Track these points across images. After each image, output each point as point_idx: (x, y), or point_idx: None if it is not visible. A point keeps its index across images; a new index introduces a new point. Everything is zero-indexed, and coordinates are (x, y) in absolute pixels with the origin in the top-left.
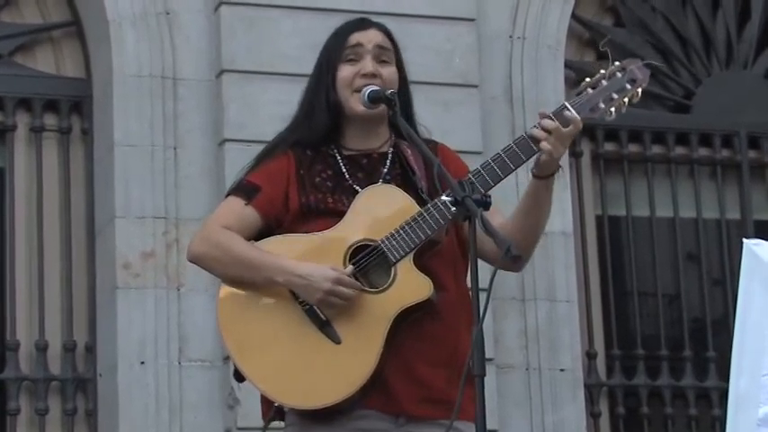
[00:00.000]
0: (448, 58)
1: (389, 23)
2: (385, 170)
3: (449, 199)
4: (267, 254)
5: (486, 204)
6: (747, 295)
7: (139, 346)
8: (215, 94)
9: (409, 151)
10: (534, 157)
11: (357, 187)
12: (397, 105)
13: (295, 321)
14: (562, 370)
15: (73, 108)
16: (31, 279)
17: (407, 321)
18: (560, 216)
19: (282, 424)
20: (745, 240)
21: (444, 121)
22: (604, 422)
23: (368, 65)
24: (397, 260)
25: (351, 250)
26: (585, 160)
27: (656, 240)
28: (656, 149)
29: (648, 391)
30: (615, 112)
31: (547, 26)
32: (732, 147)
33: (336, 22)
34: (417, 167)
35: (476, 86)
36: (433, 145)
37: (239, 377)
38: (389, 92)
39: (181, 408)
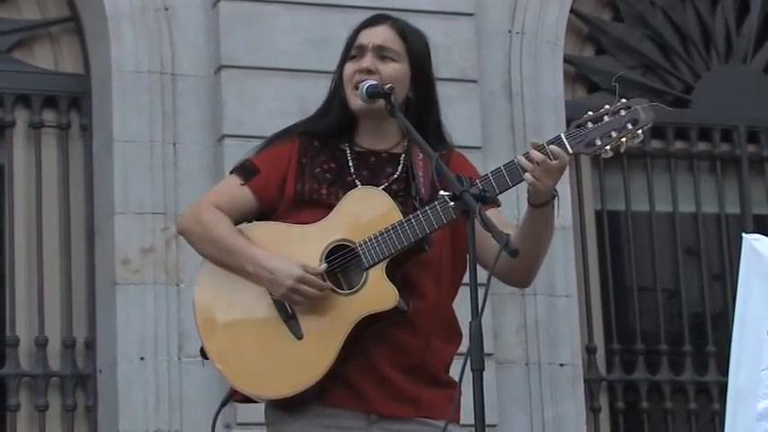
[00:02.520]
0: (447, 53)
1: None
2: (392, 172)
3: (447, 194)
4: (243, 241)
5: (484, 199)
6: (746, 290)
7: (139, 342)
8: (214, 90)
9: (420, 156)
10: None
11: (358, 183)
12: (395, 100)
13: (263, 310)
14: (562, 365)
15: (72, 104)
16: (31, 275)
17: (375, 327)
18: (560, 210)
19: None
20: (744, 235)
21: (443, 116)
22: (604, 417)
23: (365, 61)
24: (371, 266)
25: (330, 248)
26: (584, 155)
27: (655, 235)
28: (656, 144)
29: (648, 386)
30: (611, 150)
31: (546, 21)
32: (731, 141)
33: (335, 17)
34: (422, 173)
35: (475, 81)
36: (447, 151)
37: (204, 354)
38: (387, 86)
39: (180, 403)
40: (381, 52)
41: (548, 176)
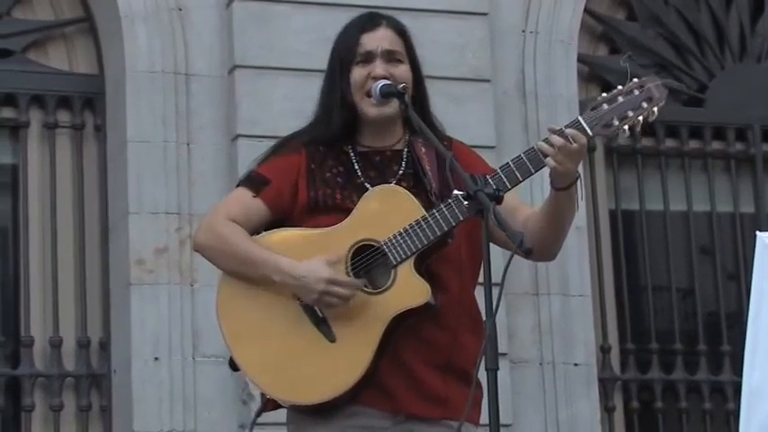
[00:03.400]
0: (460, 52)
1: (402, 18)
2: (398, 169)
3: (461, 193)
4: (265, 251)
5: (498, 198)
6: (760, 289)
7: (153, 342)
8: (227, 90)
9: (423, 150)
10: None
11: (368, 185)
12: (409, 99)
13: (292, 316)
14: (576, 364)
15: (86, 104)
16: (45, 275)
17: (405, 324)
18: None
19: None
20: (758, 234)
21: (457, 115)
22: (619, 416)
23: (378, 68)
24: (398, 263)
25: (353, 249)
26: (599, 154)
27: (669, 234)
28: (670, 143)
29: (663, 386)
30: (629, 130)
31: (559, 20)
32: (746, 140)
33: (348, 17)
34: (430, 167)
35: (488, 81)
36: (448, 142)
37: (234, 366)
38: (401, 86)
39: (195, 403)
40: (390, 56)
41: (569, 160)
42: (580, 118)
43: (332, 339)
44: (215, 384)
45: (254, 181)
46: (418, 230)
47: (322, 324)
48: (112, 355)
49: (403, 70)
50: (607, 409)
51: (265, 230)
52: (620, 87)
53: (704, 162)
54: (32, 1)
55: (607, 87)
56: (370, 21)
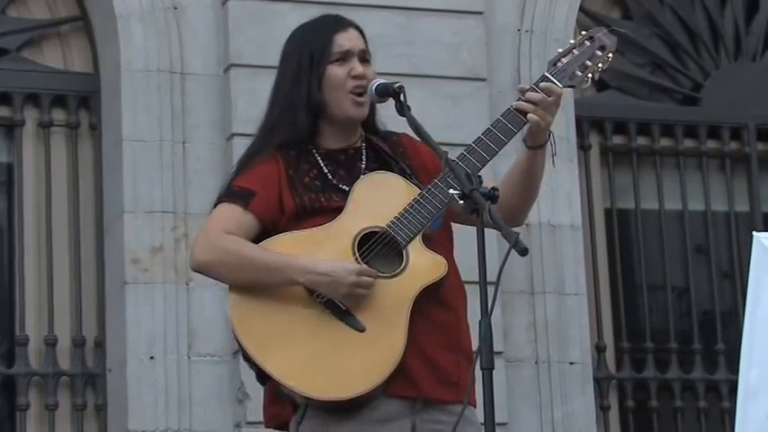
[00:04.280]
0: (456, 51)
1: (398, 17)
2: (362, 165)
3: (456, 192)
4: (282, 255)
5: (493, 198)
6: (757, 288)
7: (148, 341)
8: (223, 89)
9: (379, 143)
10: (524, 128)
11: (341, 185)
12: (405, 98)
13: (314, 315)
14: (571, 363)
15: (81, 103)
16: (41, 274)
17: (415, 308)
18: (569, 209)
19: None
20: (754, 233)
21: (452, 114)
22: (614, 415)
23: (357, 67)
24: (407, 242)
25: (357, 239)
26: (594, 153)
27: (664, 233)
28: (665, 142)
29: (658, 385)
30: (590, 78)
31: (555, 19)
32: (741, 139)
33: (345, 15)
34: (393, 156)
35: (484, 80)
36: (396, 136)
37: (262, 379)
38: (397, 85)
39: (190, 402)
40: (364, 56)
41: (548, 113)
42: (547, 74)
43: (361, 329)
44: (210, 383)
45: (239, 195)
46: (419, 208)
47: (347, 316)
48: (108, 354)
49: (372, 71)
50: (602, 408)
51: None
52: (572, 41)
53: (699, 161)
54: (27, 0)
55: (602, 86)
56: (339, 21)
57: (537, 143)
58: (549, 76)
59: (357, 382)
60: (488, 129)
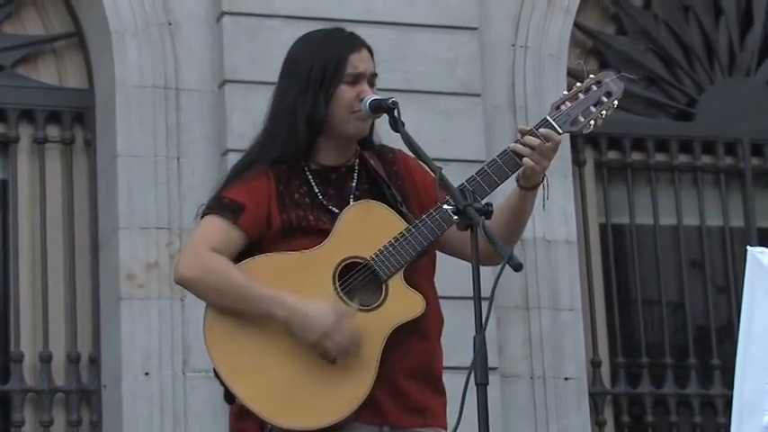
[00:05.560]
0: (450, 66)
1: (392, 32)
2: (353, 184)
3: (451, 207)
4: (264, 287)
5: (488, 213)
6: (751, 303)
7: (143, 357)
8: (218, 105)
9: (372, 162)
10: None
11: (330, 206)
12: (399, 114)
13: (288, 343)
14: (566, 378)
15: (76, 119)
16: (35, 290)
17: (393, 337)
18: (564, 224)
19: None
20: (749, 248)
21: (447, 130)
22: (609, 431)
23: (367, 89)
24: (388, 277)
25: (339, 268)
26: (589, 168)
27: (659, 248)
28: (660, 157)
29: (653, 400)
30: (593, 125)
31: (549, 35)
32: (735, 154)
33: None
34: (388, 178)
35: (478, 95)
36: (391, 153)
37: (229, 398)
38: (391, 101)
39: (185, 418)
40: (372, 79)
41: (544, 158)
42: (549, 117)
43: (332, 361)
44: (205, 399)
45: (228, 207)
46: (404, 243)
47: None
48: (102, 371)
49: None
50: (598, 424)
51: (239, 258)
52: (578, 85)
53: (694, 176)
54: (22, 15)
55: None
56: (355, 40)
57: (530, 184)
58: (551, 120)
59: (321, 414)
60: (483, 169)
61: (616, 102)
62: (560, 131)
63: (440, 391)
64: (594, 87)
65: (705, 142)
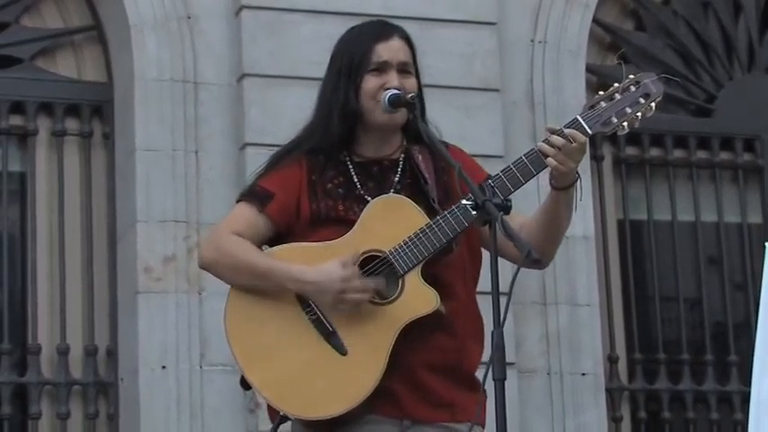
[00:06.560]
0: (469, 62)
1: (410, 27)
2: (396, 178)
3: (469, 203)
4: (276, 261)
5: (506, 208)
6: None
7: (161, 351)
8: (236, 99)
9: (420, 157)
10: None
11: (367, 197)
12: (417, 109)
13: (302, 331)
14: (584, 374)
15: (94, 112)
16: (53, 283)
17: (414, 331)
18: (582, 220)
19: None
20: (766, 244)
21: (465, 125)
22: (626, 427)
23: (393, 79)
24: (405, 272)
25: (359, 260)
26: (607, 164)
27: (677, 244)
28: (678, 153)
29: (670, 396)
30: (628, 126)
31: (568, 30)
32: (754, 151)
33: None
34: (429, 175)
35: (497, 91)
36: (444, 147)
37: (245, 385)
38: (410, 95)
39: (202, 412)
40: (404, 68)
41: (570, 159)
42: (579, 117)
43: (343, 352)
44: (222, 393)
45: (257, 195)
46: (423, 239)
47: (332, 337)
48: (120, 364)
49: (412, 83)
50: (614, 420)
51: (268, 245)
52: (616, 85)
53: (712, 172)
54: (41, 9)
55: None
56: (383, 29)
57: (561, 185)
58: (581, 120)
59: (329, 404)
60: (508, 167)
61: (654, 104)
62: (590, 132)
63: (472, 387)
64: (633, 88)
65: (723, 138)
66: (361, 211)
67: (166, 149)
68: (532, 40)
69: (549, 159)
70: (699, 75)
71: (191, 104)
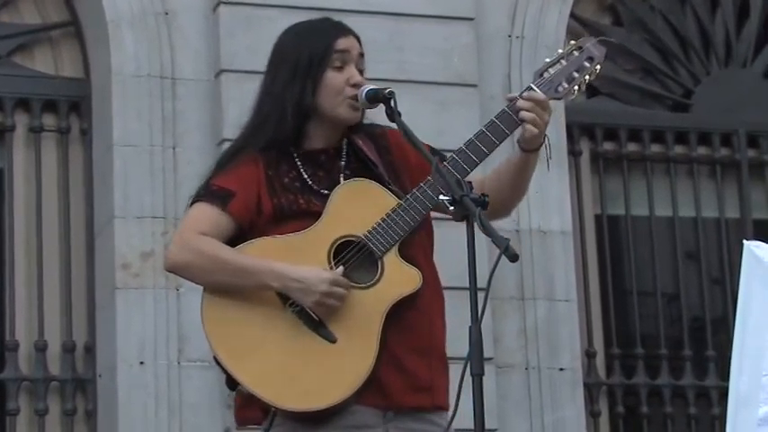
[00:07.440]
0: (446, 57)
1: (388, 22)
2: (342, 164)
3: (447, 198)
4: (257, 259)
5: (483, 204)
6: (747, 296)
7: (139, 347)
8: (214, 94)
9: (360, 142)
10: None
11: (320, 189)
12: (396, 104)
13: (287, 324)
14: (561, 369)
15: (71, 108)
16: (31, 279)
17: (390, 313)
18: (559, 215)
19: None
20: (745, 242)
21: (443, 120)
22: (604, 421)
23: (355, 74)
24: (383, 253)
25: (334, 247)
26: (585, 159)
27: (655, 239)
28: (655, 148)
29: (648, 391)
30: (577, 90)
31: (545, 25)
32: (731, 146)
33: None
34: (374, 158)
35: (474, 86)
36: (381, 130)
37: (231, 384)
38: (387, 91)
39: (180, 408)
40: (360, 65)
41: (544, 114)
42: (532, 84)
43: (332, 340)
44: (201, 389)
45: (217, 194)
46: (396, 218)
47: (320, 327)
48: (98, 360)
49: (364, 79)
50: (592, 414)
51: (230, 245)
52: (560, 51)
53: (690, 167)
54: (18, 4)
55: (593, 92)
56: (340, 26)
57: (532, 146)
58: (534, 87)
59: (326, 393)
60: (481, 130)
61: (599, 66)
62: (544, 97)
63: (445, 366)
64: (576, 53)
65: (701, 133)
66: (321, 202)
67: (144, 145)
68: (510, 36)
69: (527, 114)
70: (676, 69)
71: (168, 100)
